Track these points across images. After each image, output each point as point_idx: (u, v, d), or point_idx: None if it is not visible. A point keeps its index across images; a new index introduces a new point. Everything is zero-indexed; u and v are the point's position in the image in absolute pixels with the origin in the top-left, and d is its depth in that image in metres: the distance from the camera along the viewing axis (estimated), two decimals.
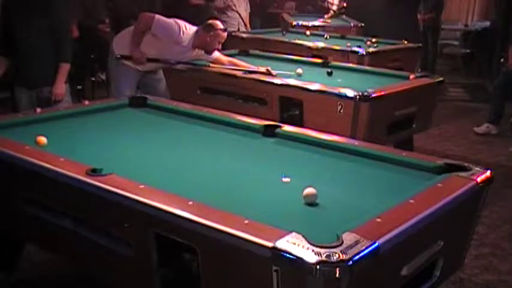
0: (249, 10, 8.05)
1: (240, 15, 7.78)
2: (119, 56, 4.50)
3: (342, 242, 1.69)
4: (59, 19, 4.08)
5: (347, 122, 3.80)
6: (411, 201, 2.06)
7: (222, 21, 6.25)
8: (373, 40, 6.75)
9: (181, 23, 4.54)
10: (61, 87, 4.07)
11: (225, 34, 4.62)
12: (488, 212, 4.19)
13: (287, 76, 4.44)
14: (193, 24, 4.65)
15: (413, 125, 4.43)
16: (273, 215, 1.92)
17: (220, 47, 4.67)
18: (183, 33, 4.47)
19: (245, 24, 7.88)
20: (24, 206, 2.56)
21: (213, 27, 4.53)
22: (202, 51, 4.61)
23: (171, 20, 4.52)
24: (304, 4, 11.22)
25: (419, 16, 9.01)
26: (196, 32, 4.55)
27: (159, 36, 4.44)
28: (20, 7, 3.93)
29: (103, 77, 7.11)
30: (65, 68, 4.09)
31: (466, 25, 10.66)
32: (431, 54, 9.06)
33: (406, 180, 2.43)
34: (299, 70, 4.71)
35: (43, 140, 2.69)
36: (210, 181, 2.36)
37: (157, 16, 4.48)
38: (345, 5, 9.66)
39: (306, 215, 2.07)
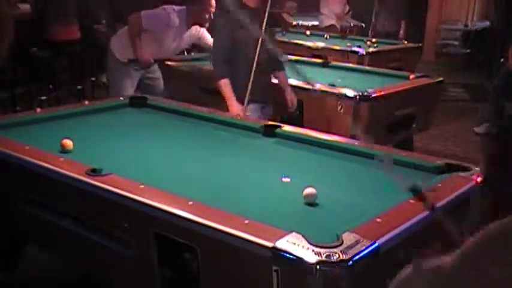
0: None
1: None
2: (126, 60, 4.54)
3: (342, 242, 1.69)
4: None
5: (347, 122, 3.80)
6: (411, 201, 2.06)
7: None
8: (373, 40, 6.74)
9: (167, 6, 4.61)
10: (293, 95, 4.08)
11: (213, 1, 4.61)
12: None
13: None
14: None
15: (413, 125, 4.43)
16: (273, 215, 1.93)
17: (211, 16, 4.62)
18: (171, 15, 4.51)
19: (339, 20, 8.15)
20: (24, 206, 2.56)
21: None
22: (198, 33, 4.68)
23: (155, 10, 4.63)
24: (305, 4, 11.20)
25: (376, 23, 8.51)
26: (187, 9, 4.57)
27: (152, 29, 4.51)
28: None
29: (104, 80, 7.06)
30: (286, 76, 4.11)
31: (466, 25, 10.65)
32: None
33: (406, 180, 2.42)
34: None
35: (69, 143, 2.59)
36: (210, 181, 2.36)
37: (142, 12, 4.54)
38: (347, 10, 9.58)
39: (306, 215, 2.06)
